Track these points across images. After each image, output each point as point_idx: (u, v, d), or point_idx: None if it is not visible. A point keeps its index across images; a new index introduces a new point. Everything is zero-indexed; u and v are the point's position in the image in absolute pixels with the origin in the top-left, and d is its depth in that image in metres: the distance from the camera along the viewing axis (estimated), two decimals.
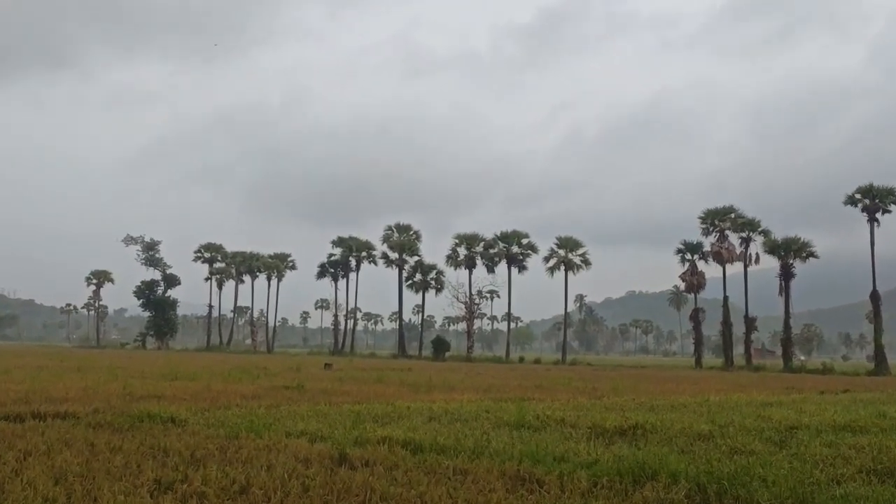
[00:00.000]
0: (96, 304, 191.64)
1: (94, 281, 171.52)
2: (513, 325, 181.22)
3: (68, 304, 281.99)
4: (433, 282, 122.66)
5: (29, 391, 24.44)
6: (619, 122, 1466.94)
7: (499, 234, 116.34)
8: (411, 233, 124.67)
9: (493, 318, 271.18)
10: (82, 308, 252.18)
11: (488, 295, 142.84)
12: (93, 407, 19.76)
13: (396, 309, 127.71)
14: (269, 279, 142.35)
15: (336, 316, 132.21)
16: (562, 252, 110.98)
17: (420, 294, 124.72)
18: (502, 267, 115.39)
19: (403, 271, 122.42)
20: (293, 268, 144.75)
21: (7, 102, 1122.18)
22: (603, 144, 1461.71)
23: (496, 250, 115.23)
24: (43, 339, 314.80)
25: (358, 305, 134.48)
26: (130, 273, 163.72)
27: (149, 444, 13.72)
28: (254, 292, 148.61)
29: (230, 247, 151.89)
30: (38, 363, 49.82)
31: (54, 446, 13.25)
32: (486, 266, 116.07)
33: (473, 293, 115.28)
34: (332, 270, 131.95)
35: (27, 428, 15.62)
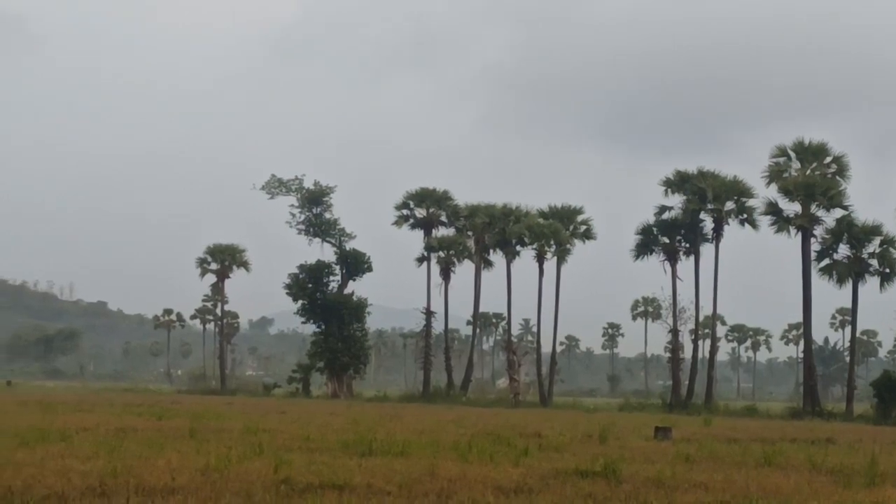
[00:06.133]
0: (219, 311, 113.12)
1: (212, 266, 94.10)
2: None
3: (167, 312, 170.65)
4: (876, 261, 63.77)
5: (104, 474, 15.66)
6: None
7: None
8: (828, 160, 65.61)
9: None
10: (192, 318, 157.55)
11: None
12: None
13: (795, 317, 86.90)
14: (540, 259, 76.85)
15: (675, 332, 71.99)
16: None
17: (849, 285, 64.16)
18: None
19: (812, 240, 64.43)
20: (588, 235, 79.54)
21: None
22: None
23: None
24: (122, 377, 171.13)
25: (718, 311, 72.91)
26: (271, 252, 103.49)
27: None
28: (511, 287, 79.51)
29: (462, 194, 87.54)
30: (120, 422, 31.64)
31: None
32: None
33: None
34: (666, 240, 71.58)
35: None
